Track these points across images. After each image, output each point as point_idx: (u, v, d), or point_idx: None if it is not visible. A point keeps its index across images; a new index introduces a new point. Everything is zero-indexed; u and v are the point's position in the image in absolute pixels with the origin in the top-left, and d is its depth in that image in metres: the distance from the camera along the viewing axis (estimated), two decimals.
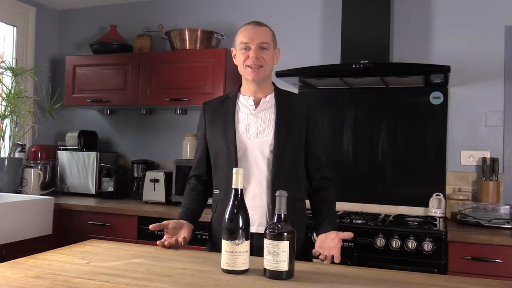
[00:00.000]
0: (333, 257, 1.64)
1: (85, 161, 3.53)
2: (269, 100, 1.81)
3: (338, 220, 2.59)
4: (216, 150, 1.82)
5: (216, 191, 1.84)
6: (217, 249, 1.76)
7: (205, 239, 2.69)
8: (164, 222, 1.72)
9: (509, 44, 2.87)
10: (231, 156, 1.75)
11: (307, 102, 1.86)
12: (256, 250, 1.63)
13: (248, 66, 1.75)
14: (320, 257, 1.65)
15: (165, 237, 1.70)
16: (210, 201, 1.90)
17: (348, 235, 1.68)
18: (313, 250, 1.67)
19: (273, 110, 1.79)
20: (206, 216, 1.92)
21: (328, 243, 1.68)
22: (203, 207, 1.92)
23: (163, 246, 1.66)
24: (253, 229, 1.61)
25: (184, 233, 1.71)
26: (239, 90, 1.87)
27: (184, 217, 1.79)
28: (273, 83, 1.89)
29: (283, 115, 1.78)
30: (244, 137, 1.77)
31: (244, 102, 1.82)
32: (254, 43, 1.74)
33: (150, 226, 1.69)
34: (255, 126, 1.77)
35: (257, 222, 1.72)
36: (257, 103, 1.80)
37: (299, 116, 1.81)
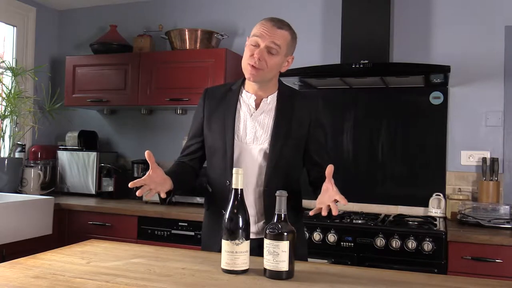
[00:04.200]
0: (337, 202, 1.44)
1: (85, 161, 3.53)
2: (270, 101, 1.74)
3: (338, 220, 2.60)
4: (212, 148, 1.77)
5: (209, 188, 1.81)
6: (208, 245, 1.75)
7: None
8: (145, 177, 1.54)
9: (509, 44, 2.87)
10: (227, 159, 1.69)
11: (310, 105, 1.77)
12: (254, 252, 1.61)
13: (249, 64, 1.65)
14: (322, 213, 1.45)
15: (145, 187, 1.54)
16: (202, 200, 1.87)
17: (342, 199, 1.44)
18: (310, 212, 1.50)
19: (272, 114, 1.72)
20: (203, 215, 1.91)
21: (326, 197, 1.47)
22: (187, 183, 1.82)
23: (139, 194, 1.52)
24: None
25: (166, 188, 1.59)
26: (243, 84, 1.78)
27: (167, 173, 1.66)
28: (279, 80, 1.80)
29: (281, 122, 1.71)
30: (241, 140, 1.71)
31: (246, 99, 1.75)
32: (264, 42, 1.63)
33: (130, 184, 1.52)
34: (252, 131, 1.71)
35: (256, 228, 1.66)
36: (258, 103, 1.74)
37: (299, 121, 1.73)
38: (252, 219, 1.68)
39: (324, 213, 1.44)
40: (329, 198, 1.45)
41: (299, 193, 1.82)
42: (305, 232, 1.90)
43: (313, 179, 1.78)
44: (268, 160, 1.69)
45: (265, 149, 1.70)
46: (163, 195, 1.57)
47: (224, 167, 1.69)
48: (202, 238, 1.87)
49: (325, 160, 1.77)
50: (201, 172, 1.89)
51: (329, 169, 1.47)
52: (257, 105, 1.74)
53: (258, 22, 1.70)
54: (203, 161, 1.87)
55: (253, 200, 1.70)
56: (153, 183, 1.55)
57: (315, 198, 1.61)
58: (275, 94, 1.76)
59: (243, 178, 1.66)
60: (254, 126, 1.72)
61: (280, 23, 1.67)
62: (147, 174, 1.55)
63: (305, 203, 1.86)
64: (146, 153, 1.55)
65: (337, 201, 1.44)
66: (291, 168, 1.75)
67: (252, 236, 1.62)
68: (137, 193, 1.52)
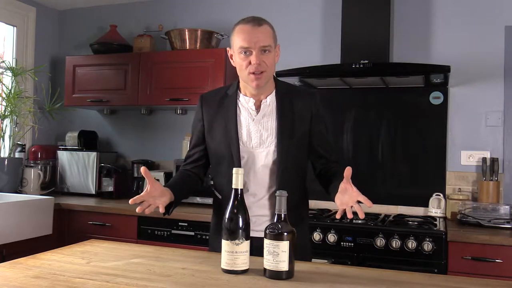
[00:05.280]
0: (360, 202, 1.44)
1: (85, 161, 3.53)
2: (270, 102, 1.73)
3: (338, 220, 2.60)
4: (216, 156, 1.77)
5: (218, 196, 1.81)
6: (215, 249, 1.74)
7: (205, 239, 2.71)
8: (143, 194, 1.54)
9: (509, 44, 2.87)
10: (235, 165, 1.68)
11: (310, 101, 1.77)
12: (254, 250, 1.60)
13: (251, 72, 1.64)
14: (348, 215, 1.45)
15: (144, 204, 1.54)
16: (210, 201, 1.88)
17: (366, 200, 1.44)
18: (337, 215, 1.49)
19: (274, 115, 1.72)
20: (206, 216, 1.92)
21: (346, 198, 1.48)
22: (189, 191, 1.84)
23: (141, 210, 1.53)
24: (253, 233, 1.52)
25: (163, 201, 1.58)
26: (238, 87, 1.76)
27: (168, 185, 1.68)
28: (275, 77, 1.79)
29: (285, 122, 1.71)
30: (247, 145, 1.71)
31: (245, 104, 1.74)
32: (256, 47, 1.61)
33: (130, 201, 1.51)
34: (257, 135, 1.71)
35: (258, 229, 1.63)
36: (257, 105, 1.73)
37: (301, 118, 1.74)
38: (265, 219, 1.70)
39: (349, 215, 1.45)
40: (352, 199, 1.45)
41: (306, 192, 1.84)
42: (308, 236, 1.91)
43: (319, 171, 1.81)
44: (277, 161, 1.69)
45: (272, 151, 1.70)
46: (161, 210, 1.56)
47: (231, 173, 1.68)
48: (210, 241, 1.88)
49: (329, 152, 1.81)
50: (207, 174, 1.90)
51: (348, 172, 1.47)
52: (257, 108, 1.73)
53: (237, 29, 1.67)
54: (207, 167, 1.88)
55: (267, 201, 1.71)
56: (152, 198, 1.55)
57: (325, 192, 1.68)
58: (273, 93, 1.75)
59: (251, 182, 1.68)
60: (258, 130, 1.71)
61: (257, 21, 1.66)
62: (145, 190, 1.55)
63: (312, 203, 1.86)
64: (142, 169, 1.55)
65: (361, 202, 1.45)
66: (299, 166, 1.76)
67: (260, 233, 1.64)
68: (136, 210, 1.53)
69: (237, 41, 1.65)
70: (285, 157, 1.70)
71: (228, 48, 1.74)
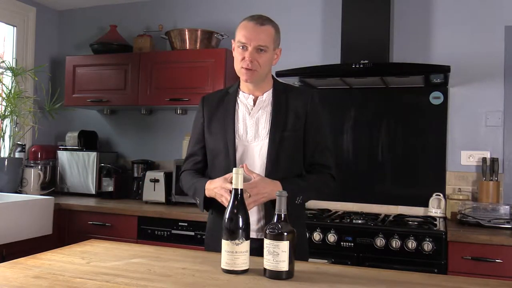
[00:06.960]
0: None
1: (85, 161, 3.53)
2: (266, 98, 1.77)
3: (338, 220, 2.60)
4: (214, 151, 1.79)
5: None
6: (212, 249, 1.74)
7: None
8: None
9: (509, 44, 2.87)
10: (230, 158, 1.71)
11: (306, 98, 1.78)
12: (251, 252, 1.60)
13: (242, 67, 1.70)
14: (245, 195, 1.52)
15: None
16: None
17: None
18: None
19: (269, 109, 1.75)
20: (206, 216, 1.91)
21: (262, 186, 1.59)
22: None
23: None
24: None
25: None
26: (239, 86, 1.82)
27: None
28: (273, 76, 1.82)
29: (278, 116, 1.73)
30: (242, 139, 1.73)
31: (244, 100, 1.78)
32: (252, 44, 1.67)
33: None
34: (252, 128, 1.74)
35: (251, 227, 1.62)
36: (255, 101, 1.77)
37: (296, 114, 1.75)
38: (257, 217, 1.70)
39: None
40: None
41: None
42: (306, 233, 1.90)
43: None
44: (268, 153, 1.70)
45: (266, 144, 1.71)
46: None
47: (227, 167, 1.69)
48: (206, 240, 1.87)
49: (321, 153, 1.79)
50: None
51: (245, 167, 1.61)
52: (254, 103, 1.77)
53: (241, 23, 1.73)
54: (206, 168, 1.88)
55: None
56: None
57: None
58: (270, 91, 1.79)
59: (245, 176, 1.68)
60: (254, 124, 1.74)
61: (261, 20, 1.71)
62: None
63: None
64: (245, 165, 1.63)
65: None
66: (292, 162, 1.76)
67: (254, 235, 1.64)
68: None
69: (238, 35, 1.72)
70: (276, 148, 1.70)
71: (232, 40, 1.79)
